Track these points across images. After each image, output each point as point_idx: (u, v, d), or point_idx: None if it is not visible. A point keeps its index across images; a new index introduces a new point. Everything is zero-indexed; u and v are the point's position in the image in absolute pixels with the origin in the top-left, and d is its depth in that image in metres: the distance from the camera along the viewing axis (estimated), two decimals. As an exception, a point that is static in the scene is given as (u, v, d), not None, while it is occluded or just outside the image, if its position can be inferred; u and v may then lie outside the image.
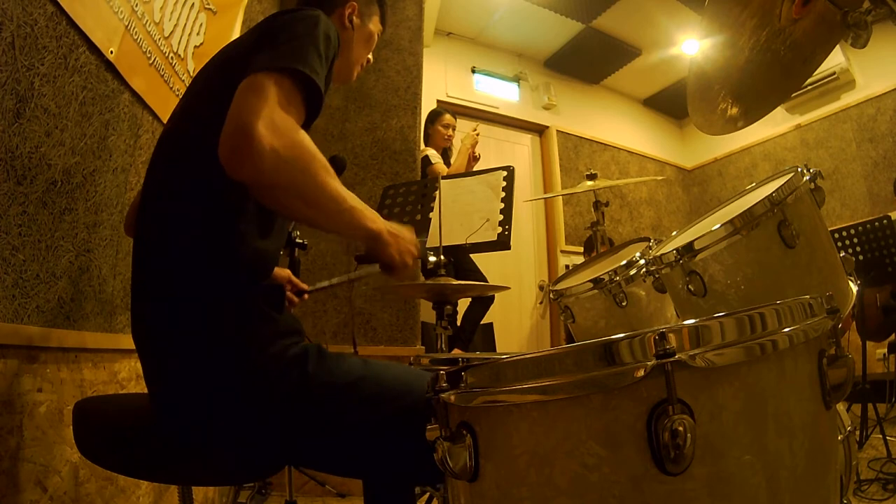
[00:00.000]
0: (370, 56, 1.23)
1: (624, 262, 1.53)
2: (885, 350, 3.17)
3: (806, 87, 4.39)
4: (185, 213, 0.88)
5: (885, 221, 2.54)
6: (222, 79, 0.93)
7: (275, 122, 0.76)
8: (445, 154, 3.46)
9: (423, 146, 3.34)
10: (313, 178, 0.80)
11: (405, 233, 1.01)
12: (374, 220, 0.92)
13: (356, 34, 1.15)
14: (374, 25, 1.20)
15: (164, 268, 0.88)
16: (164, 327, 0.86)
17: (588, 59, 5.14)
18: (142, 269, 0.92)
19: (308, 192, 0.80)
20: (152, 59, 1.44)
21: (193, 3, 1.64)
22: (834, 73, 4.42)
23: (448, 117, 3.47)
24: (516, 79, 5.14)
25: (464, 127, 3.67)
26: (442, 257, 1.54)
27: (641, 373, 0.52)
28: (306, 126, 0.85)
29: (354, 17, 1.14)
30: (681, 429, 0.50)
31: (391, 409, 0.85)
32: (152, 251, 0.90)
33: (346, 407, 0.84)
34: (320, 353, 0.88)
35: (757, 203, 1.01)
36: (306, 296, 1.34)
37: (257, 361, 0.84)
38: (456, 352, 2.94)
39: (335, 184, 0.83)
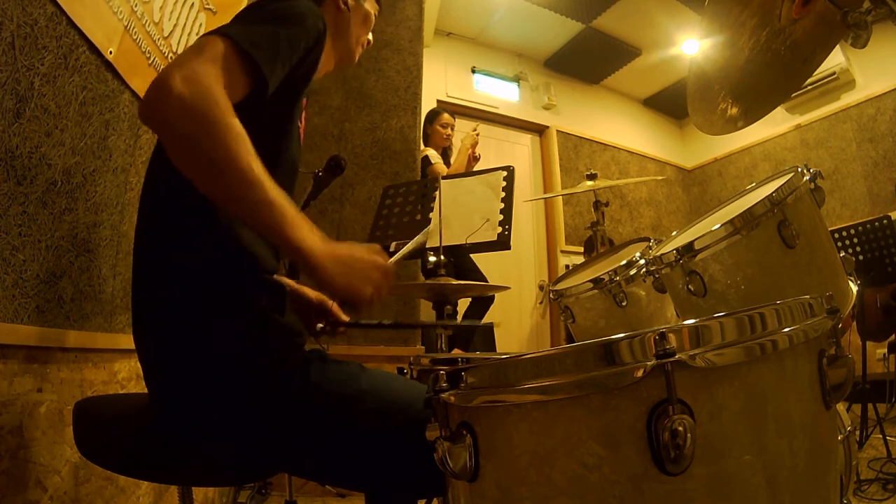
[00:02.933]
0: (370, 37, 1.22)
1: (624, 262, 1.53)
2: (885, 350, 3.17)
3: (806, 87, 4.40)
4: (186, 213, 0.88)
5: (885, 221, 2.54)
6: None
7: (194, 72, 0.72)
8: (445, 154, 3.46)
9: (422, 146, 3.34)
10: (216, 137, 0.72)
11: (363, 257, 0.84)
12: (305, 233, 0.76)
13: (353, 15, 1.14)
14: (371, 5, 1.19)
15: (164, 267, 0.88)
16: (163, 327, 0.86)
17: (588, 59, 5.14)
18: (142, 269, 0.92)
19: (212, 152, 0.72)
20: (152, 59, 1.44)
21: (193, 3, 1.63)
22: (834, 73, 4.42)
23: (446, 117, 3.47)
24: (516, 79, 5.14)
25: (464, 127, 3.67)
26: (442, 257, 1.54)
27: (641, 373, 0.52)
28: (246, 104, 0.80)
29: None
30: (681, 429, 0.50)
31: (393, 422, 0.84)
32: (152, 250, 0.90)
33: (348, 418, 0.84)
34: (323, 360, 0.88)
35: (757, 203, 1.01)
36: (343, 329, 1.17)
37: (258, 363, 0.84)
38: (456, 352, 2.94)
39: (252, 162, 0.73)
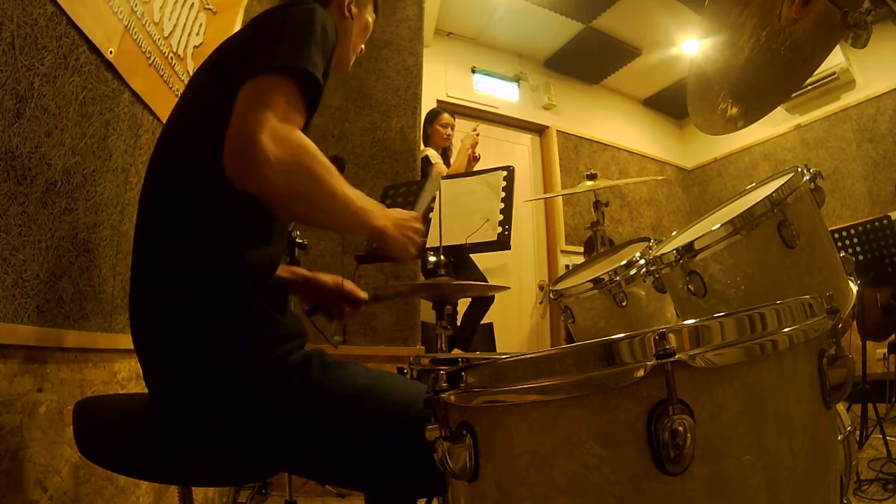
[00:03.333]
0: (362, 46, 1.23)
1: (624, 262, 1.53)
2: (885, 350, 3.17)
3: (806, 87, 4.39)
4: (185, 213, 0.88)
5: (885, 221, 2.54)
6: (217, 78, 0.93)
7: (277, 131, 0.77)
8: (445, 154, 3.46)
9: (422, 146, 3.34)
10: (319, 184, 0.82)
11: (407, 217, 1.03)
12: (379, 217, 0.95)
13: (354, 24, 1.14)
14: (370, 15, 1.20)
15: (164, 267, 0.88)
16: (163, 327, 0.86)
17: (588, 59, 5.14)
18: (141, 269, 0.92)
19: (316, 198, 0.82)
20: (152, 59, 1.44)
21: (193, 3, 1.63)
22: (834, 73, 4.42)
23: (446, 117, 3.47)
24: (516, 79, 5.14)
25: (464, 127, 3.67)
26: (442, 257, 1.54)
27: (641, 373, 0.52)
28: (307, 123, 0.86)
29: (353, 7, 1.12)
30: (681, 429, 0.50)
31: (394, 422, 0.84)
32: (152, 251, 0.90)
33: (349, 418, 0.84)
34: (323, 360, 0.88)
35: (757, 203, 1.01)
36: (363, 307, 1.25)
37: (258, 363, 0.84)
38: (456, 352, 2.94)
39: (342, 186, 0.85)
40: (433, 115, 3.48)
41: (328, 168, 0.83)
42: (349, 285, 1.23)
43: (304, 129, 0.86)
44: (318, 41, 0.87)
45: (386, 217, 0.97)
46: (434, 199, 1.31)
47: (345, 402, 0.84)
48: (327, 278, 1.22)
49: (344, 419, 0.84)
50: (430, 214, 1.73)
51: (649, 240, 1.65)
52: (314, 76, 0.83)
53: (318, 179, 0.82)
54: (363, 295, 1.24)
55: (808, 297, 0.63)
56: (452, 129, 3.48)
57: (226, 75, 0.89)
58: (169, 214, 0.89)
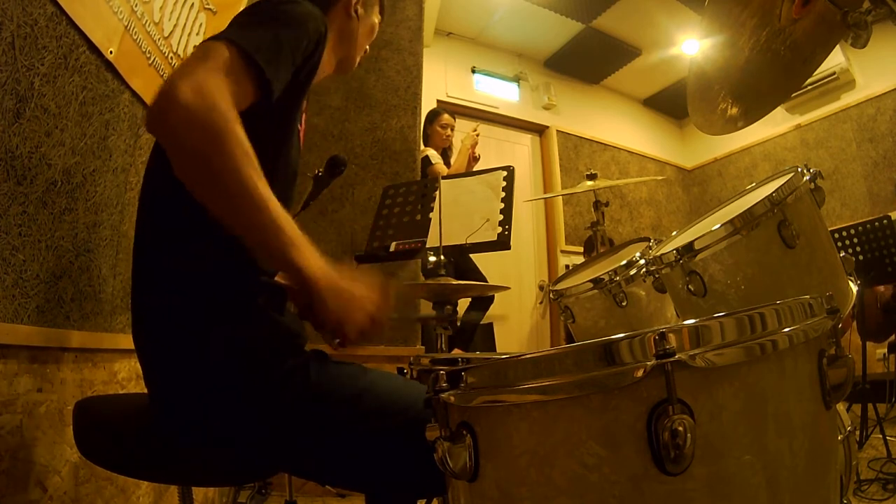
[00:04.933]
0: (367, 47, 1.22)
1: (624, 262, 1.53)
2: (885, 350, 3.17)
3: (806, 87, 4.39)
4: (184, 214, 0.88)
5: (885, 221, 2.54)
6: None
7: (201, 82, 0.70)
8: (445, 154, 3.46)
9: (422, 147, 3.34)
10: (228, 158, 0.70)
11: (360, 290, 0.80)
12: (307, 256, 0.75)
13: (361, 24, 1.13)
14: (376, 16, 1.19)
15: (163, 268, 0.88)
16: (163, 327, 0.86)
17: (588, 59, 5.14)
18: (141, 269, 0.92)
19: (219, 172, 0.70)
20: (152, 59, 1.44)
21: (193, 3, 1.63)
22: (834, 73, 4.42)
23: (446, 117, 3.47)
24: (516, 79, 5.14)
25: (464, 127, 3.67)
26: (442, 257, 1.54)
27: (641, 373, 0.52)
28: (252, 113, 0.78)
29: (360, 7, 1.12)
30: (681, 429, 0.50)
31: (393, 422, 0.84)
32: (152, 251, 0.90)
33: (348, 420, 0.84)
34: (322, 360, 0.88)
35: (757, 203, 1.01)
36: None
37: (258, 363, 0.84)
38: (456, 352, 2.94)
39: (259, 182, 0.72)
40: (433, 116, 3.48)
41: (246, 151, 0.72)
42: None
43: (255, 121, 0.79)
44: (287, 36, 0.84)
45: (320, 267, 0.76)
46: (418, 318, 1.24)
47: (344, 402, 0.84)
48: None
49: (343, 419, 0.84)
50: (430, 214, 1.73)
51: (649, 240, 1.65)
52: (259, 65, 0.78)
53: (226, 148, 0.70)
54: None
55: (808, 297, 0.63)
56: (452, 129, 3.48)
57: None
58: (166, 215, 0.89)
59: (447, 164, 3.39)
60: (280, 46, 0.83)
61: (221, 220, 0.73)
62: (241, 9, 2.01)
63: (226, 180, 0.70)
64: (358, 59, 1.19)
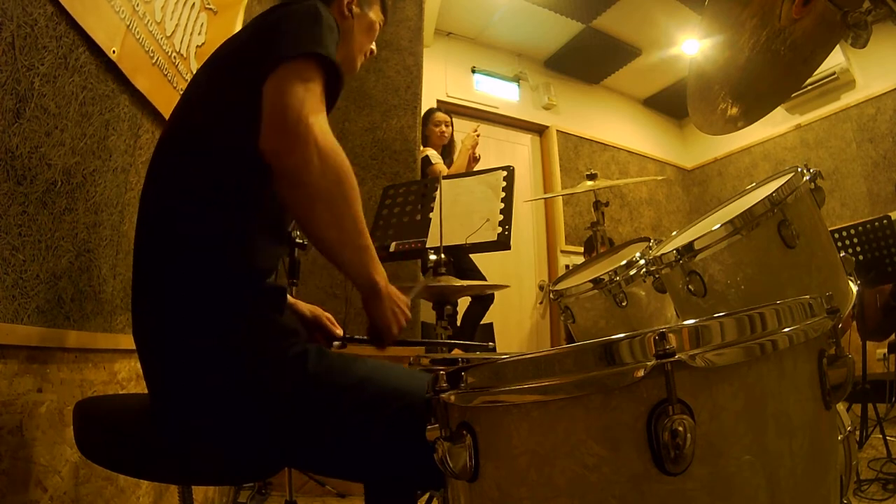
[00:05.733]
0: (373, 47, 1.20)
1: (624, 262, 1.53)
2: (885, 350, 3.17)
3: (806, 87, 4.39)
4: (185, 214, 0.88)
5: (885, 221, 2.54)
6: (218, 78, 0.93)
7: (321, 119, 0.78)
8: (447, 150, 3.45)
9: (421, 147, 3.34)
10: (346, 195, 0.81)
11: (401, 296, 0.96)
12: (382, 274, 0.89)
13: (356, 23, 1.12)
14: (375, 14, 1.17)
15: (164, 268, 0.88)
16: (163, 327, 0.86)
17: (588, 59, 5.14)
18: (142, 269, 0.92)
19: (337, 207, 0.81)
20: (155, 58, 1.44)
21: (194, 3, 1.64)
22: (834, 73, 4.42)
23: (438, 115, 3.46)
24: (516, 79, 5.14)
25: (464, 127, 3.67)
26: (442, 257, 1.54)
27: (641, 373, 0.52)
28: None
29: (354, 6, 1.11)
30: (681, 429, 0.50)
31: (393, 411, 0.84)
32: (152, 251, 0.90)
33: (348, 409, 0.84)
34: (320, 353, 0.88)
35: (757, 203, 1.01)
36: (336, 344, 1.18)
37: (256, 361, 0.84)
38: (456, 352, 2.94)
39: (362, 215, 0.84)
40: (428, 116, 3.48)
41: (357, 189, 0.83)
42: (325, 320, 1.17)
43: None
44: (327, 31, 0.87)
45: (386, 281, 0.91)
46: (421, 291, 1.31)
47: (343, 392, 0.84)
48: (305, 308, 1.17)
49: (342, 408, 0.84)
50: (430, 214, 1.73)
51: (649, 240, 1.65)
52: (336, 64, 0.84)
53: (348, 189, 0.81)
54: (338, 331, 1.18)
55: (808, 297, 0.63)
56: (447, 125, 3.46)
57: (226, 77, 0.89)
58: (168, 215, 0.90)
59: (449, 160, 3.39)
60: (334, 48, 0.87)
61: (323, 243, 0.84)
62: (241, 9, 2.01)
63: (346, 220, 0.82)
64: (359, 61, 1.18)
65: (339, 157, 0.80)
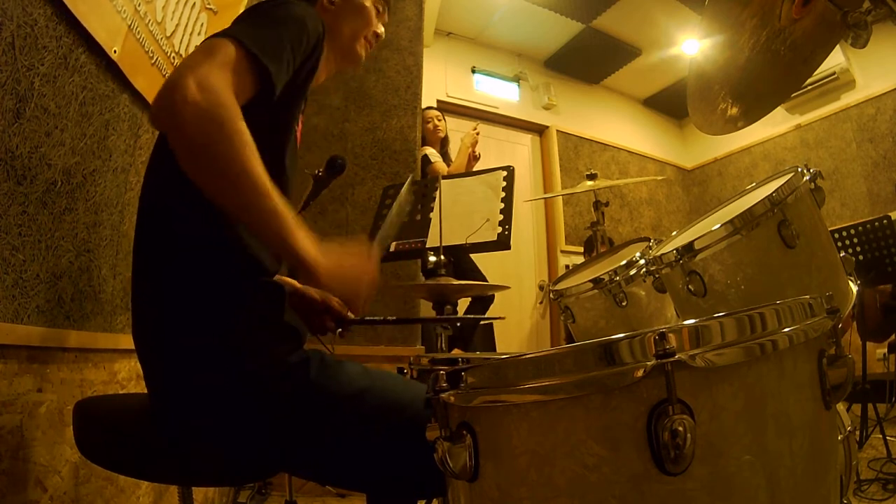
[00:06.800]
0: (379, 30, 1.15)
1: (624, 262, 1.53)
2: (885, 350, 3.17)
3: (806, 87, 4.39)
4: (183, 213, 0.88)
5: (885, 221, 2.54)
6: None
7: (206, 78, 0.73)
8: (444, 144, 3.45)
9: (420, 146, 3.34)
10: (234, 152, 0.73)
11: (349, 260, 0.87)
12: (304, 242, 0.79)
13: (341, 10, 1.10)
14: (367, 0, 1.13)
15: (164, 266, 0.88)
16: (163, 325, 0.86)
17: (588, 59, 5.14)
18: (141, 269, 0.92)
19: (225, 161, 0.73)
20: (154, 58, 1.44)
21: (195, 3, 1.64)
22: (834, 73, 4.42)
23: (427, 112, 3.46)
24: (516, 79, 5.14)
25: (464, 127, 3.67)
26: (442, 257, 1.54)
27: (641, 373, 0.52)
28: (252, 111, 0.80)
29: None
30: (681, 429, 0.50)
31: (394, 422, 0.84)
32: (152, 251, 0.90)
33: (348, 418, 0.84)
34: (322, 361, 0.88)
35: (757, 203, 1.01)
36: (350, 327, 1.15)
37: (257, 363, 0.84)
38: (456, 352, 2.94)
39: (261, 171, 0.75)
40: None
41: (249, 143, 0.75)
42: (336, 303, 1.14)
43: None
44: (289, 36, 0.85)
45: (315, 250, 0.81)
46: (409, 211, 1.25)
47: (343, 402, 0.84)
48: (315, 293, 1.14)
49: (343, 419, 0.84)
50: (430, 214, 1.73)
51: (649, 240, 1.65)
52: (262, 62, 0.80)
53: (231, 142, 0.73)
54: (349, 315, 1.14)
55: (808, 297, 0.63)
56: (440, 119, 3.47)
57: None
58: (166, 215, 0.89)
59: (448, 157, 3.39)
60: (283, 45, 0.84)
61: (224, 207, 0.78)
62: (242, 9, 2.01)
63: (229, 169, 0.74)
64: (360, 47, 1.14)
65: (218, 109, 0.73)
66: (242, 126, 0.75)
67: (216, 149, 0.73)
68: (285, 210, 0.77)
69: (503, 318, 1.71)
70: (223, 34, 0.81)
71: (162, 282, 0.88)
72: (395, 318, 1.24)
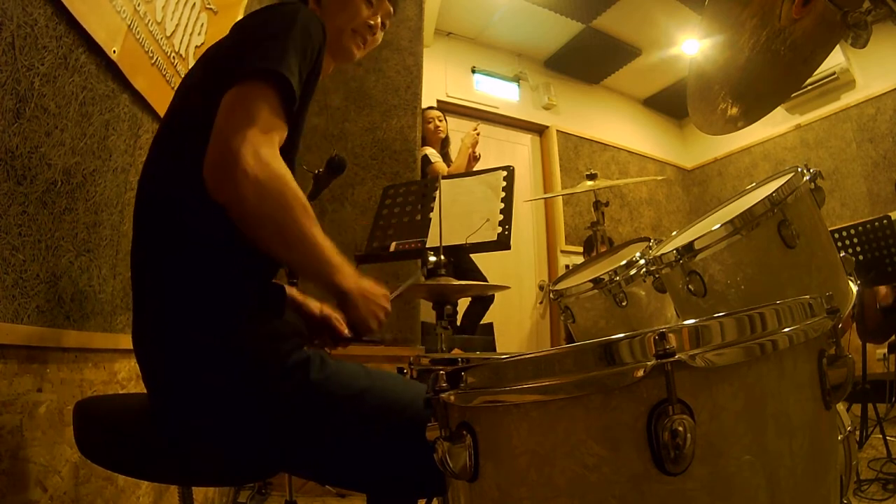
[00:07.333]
0: (371, 21, 1.12)
1: (624, 262, 1.53)
2: (885, 350, 3.17)
3: (806, 87, 4.39)
4: (181, 214, 0.88)
5: (885, 221, 2.54)
6: (205, 79, 0.94)
7: (260, 150, 0.78)
8: (444, 144, 3.45)
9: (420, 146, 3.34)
10: (293, 219, 0.81)
11: (377, 292, 0.96)
12: (348, 277, 0.89)
13: (327, 7, 1.10)
14: None
15: (166, 257, 0.88)
16: (164, 319, 0.86)
17: (588, 59, 5.14)
18: (140, 270, 0.92)
19: (285, 229, 0.81)
20: (154, 58, 1.44)
21: (194, 3, 1.64)
22: (834, 73, 4.42)
23: (428, 112, 3.46)
24: (516, 79, 5.14)
25: (464, 127, 3.67)
26: (442, 257, 1.54)
27: (641, 373, 0.52)
28: (291, 125, 0.86)
29: None
30: (681, 429, 0.50)
31: (394, 422, 0.84)
32: (149, 252, 0.90)
33: (348, 418, 0.84)
34: (322, 361, 0.88)
35: (757, 203, 1.01)
36: (343, 344, 1.16)
37: (256, 363, 0.84)
38: (456, 352, 2.94)
39: (314, 229, 0.83)
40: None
41: (304, 205, 0.82)
42: (333, 318, 1.14)
43: (290, 131, 0.87)
44: (297, 42, 0.86)
45: (355, 282, 0.91)
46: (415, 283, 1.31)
47: (344, 403, 0.84)
48: (314, 306, 1.15)
49: (343, 419, 0.84)
50: (430, 214, 1.73)
51: (649, 240, 1.65)
52: (288, 80, 0.82)
53: (291, 211, 0.80)
54: (345, 332, 1.14)
55: (808, 297, 0.63)
56: (441, 119, 3.46)
57: (210, 81, 0.89)
58: (164, 216, 0.89)
59: (448, 157, 3.39)
60: (298, 58, 0.86)
61: (282, 261, 0.89)
62: (241, 9, 2.01)
63: (290, 235, 0.82)
64: (350, 41, 1.12)
65: (277, 182, 0.79)
66: (297, 191, 0.82)
67: (278, 219, 0.80)
68: (333, 255, 0.86)
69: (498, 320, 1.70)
70: (246, 76, 0.82)
71: (164, 272, 0.88)
72: (392, 338, 1.24)
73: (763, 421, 0.55)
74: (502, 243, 1.64)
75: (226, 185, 0.78)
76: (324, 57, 0.95)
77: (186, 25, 1.60)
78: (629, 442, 0.52)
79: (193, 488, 1.10)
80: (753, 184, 1.26)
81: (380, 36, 1.18)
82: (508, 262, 4.39)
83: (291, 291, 1.12)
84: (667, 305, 1.53)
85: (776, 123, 4.99)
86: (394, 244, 1.73)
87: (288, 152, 0.94)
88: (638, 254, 1.53)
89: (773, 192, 1.01)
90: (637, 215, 5.45)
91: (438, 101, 4.44)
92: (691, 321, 0.55)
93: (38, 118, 1.02)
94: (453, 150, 3.52)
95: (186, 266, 0.87)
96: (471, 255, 3.10)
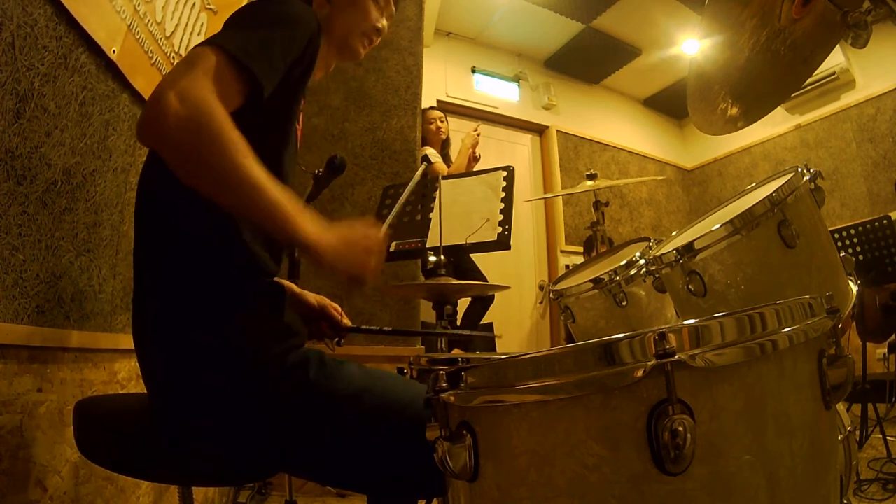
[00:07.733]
0: (378, 24, 1.12)
1: (624, 262, 1.53)
2: (885, 350, 3.17)
3: (806, 87, 4.39)
4: (184, 209, 0.88)
5: (885, 221, 2.54)
6: None
7: (187, 87, 0.73)
8: (445, 145, 3.45)
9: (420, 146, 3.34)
10: (219, 153, 0.74)
11: (355, 234, 0.87)
12: (307, 226, 0.80)
13: (337, 5, 1.09)
14: None
15: (165, 258, 0.88)
16: (164, 319, 0.86)
17: (588, 59, 5.14)
18: (140, 270, 0.92)
19: (217, 168, 0.74)
20: (154, 58, 1.44)
21: (194, 3, 1.64)
22: (834, 73, 4.42)
23: (430, 112, 3.46)
24: (516, 79, 5.14)
25: (464, 127, 3.67)
26: (442, 257, 1.54)
27: (641, 373, 0.52)
28: (246, 109, 0.81)
29: None
30: (681, 429, 0.50)
31: (394, 422, 0.84)
32: (149, 252, 0.90)
33: (348, 418, 0.84)
34: (321, 360, 0.88)
35: (757, 203, 1.01)
36: (344, 335, 1.15)
37: (257, 363, 0.84)
38: (456, 352, 2.94)
39: (255, 170, 0.76)
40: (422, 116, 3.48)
41: (233, 140, 0.75)
42: (332, 310, 1.13)
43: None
44: (278, 36, 0.85)
45: (320, 231, 0.82)
46: (415, 194, 1.27)
47: (344, 402, 0.84)
48: (312, 298, 1.14)
49: (343, 419, 0.84)
50: (431, 214, 1.73)
51: (649, 240, 1.65)
52: (248, 67, 0.80)
53: (215, 144, 0.73)
54: (345, 322, 1.14)
55: (808, 297, 0.63)
56: (442, 120, 3.46)
57: None
58: (166, 209, 0.89)
59: (448, 158, 3.39)
60: (268, 46, 0.83)
61: (225, 207, 0.79)
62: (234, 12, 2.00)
63: (220, 170, 0.74)
64: (358, 42, 1.12)
65: (199, 115, 0.73)
66: (227, 126, 0.75)
67: (203, 153, 0.73)
68: (284, 199, 0.78)
69: (500, 336, 1.71)
70: (205, 43, 0.81)
71: (163, 273, 0.88)
72: (391, 328, 1.25)
73: (763, 421, 0.55)
74: (502, 243, 1.64)
75: (147, 127, 0.74)
76: (318, 50, 0.94)
77: (186, 25, 1.60)
78: (629, 442, 0.52)
79: (193, 488, 1.10)
80: (753, 184, 1.26)
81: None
82: (508, 262, 4.39)
83: (289, 285, 1.13)
84: (667, 305, 1.53)
85: (776, 123, 4.99)
86: (394, 244, 1.73)
87: (280, 147, 0.94)
88: (638, 254, 1.53)
89: (773, 192, 1.01)
90: (637, 215, 5.45)
91: (438, 101, 4.44)
92: (691, 321, 0.55)
93: (38, 118, 1.02)
94: (453, 151, 3.52)
95: (186, 266, 0.87)
96: (471, 255, 3.10)
